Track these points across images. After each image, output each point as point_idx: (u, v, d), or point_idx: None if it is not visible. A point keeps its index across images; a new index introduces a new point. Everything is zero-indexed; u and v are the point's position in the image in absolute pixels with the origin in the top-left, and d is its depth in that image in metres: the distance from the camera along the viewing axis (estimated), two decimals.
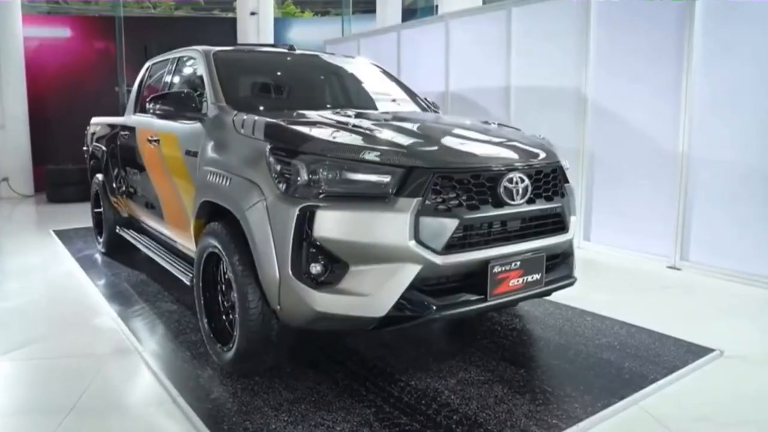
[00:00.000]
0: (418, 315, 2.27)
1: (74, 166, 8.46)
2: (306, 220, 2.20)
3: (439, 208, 2.27)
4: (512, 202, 2.44)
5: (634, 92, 4.90)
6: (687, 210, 4.59)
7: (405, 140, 2.47)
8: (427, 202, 2.24)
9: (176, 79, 3.87)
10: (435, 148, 2.44)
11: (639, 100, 4.87)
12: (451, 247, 2.27)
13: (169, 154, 3.45)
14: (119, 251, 5.02)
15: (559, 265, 2.76)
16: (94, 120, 5.62)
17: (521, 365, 2.85)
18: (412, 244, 2.20)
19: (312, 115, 2.98)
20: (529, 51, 5.79)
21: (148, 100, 3.18)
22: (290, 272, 2.24)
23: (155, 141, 3.70)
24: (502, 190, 2.41)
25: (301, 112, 3.08)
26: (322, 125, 2.67)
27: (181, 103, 3.11)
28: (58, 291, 4.19)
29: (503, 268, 2.41)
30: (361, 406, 2.41)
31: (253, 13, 9.29)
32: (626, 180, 5.03)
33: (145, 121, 4.08)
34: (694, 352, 2.96)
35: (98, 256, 5.08)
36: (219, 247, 2.60)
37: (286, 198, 2.28)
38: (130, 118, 4.48)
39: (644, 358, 2.89)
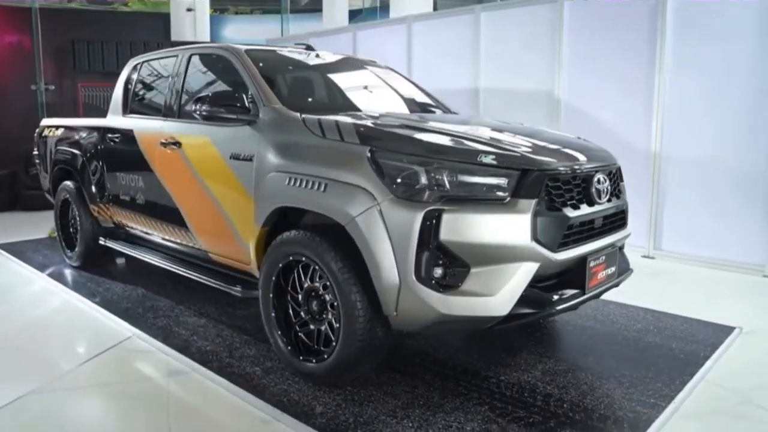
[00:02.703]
0: (537, 311, 2.36)
1: None
2: (431, 223, 2.21)
3: (550, 208, 2.38)
4: (600, 201, 2.61)
5: (607, 92, 5.30)
6: (659, 203, 5.07)
7: (507, 143, 2.54)
8: (541, 203, 2.34)
9: (192, 80, 3.62)
10: (538, 150, 2.53)
11: (613, 100, 5.27)
12: (562, 245, 2.39)
13: (202, 158, 3.24)
14: (96, 264, 4.59)
15: (620, 257, 2.97)
16: (53, 121, 5.09)
17: (586, 353, 3.04)
18: (533, 243, 2.28)
19: (381, 116, 2.96)
20: (498, 54, 6.06)
21: (194, 101, 2.96)
22: (413, 277, 2.23)
23: (173, 144, 3.45)
24: (593, 190, 2.56)
25: (360, 113, 3.04)
26: (408, 127, 2.66)
27: (230, 104, 2.94)
28: (54, 313, 3.77)
29: (595, 263, 2.57)
30: (473, 405, 2.45)
31: (189, 9, 8.80)
32: None
33: (149, 124, 3.78)
34: (721, 330, 3.32)
35: (72, 271, 4.59)
36: (311, 255, 2.51)
37: (404, 202, 2.26)
38: (121, 120, 4.12)
39: (685, 339, 3.19)
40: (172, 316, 3.55)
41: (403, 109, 3.59)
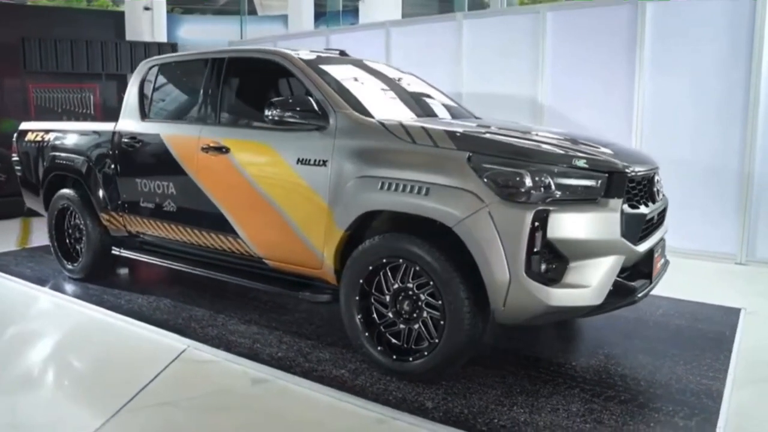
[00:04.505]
0: (624, 300, 2.60)
1: None
2: (539, 222, 2.38)
3: (631, 206, 2.63)
4: (658, 198, 2.91)
5: (589, 96, 5.68)
6: None
7: (586, 149, 2.76)
8: (624, 201, 2.58)
9: (235, 85, 3.58)
10: (613, 155, 2.77)
11: (594, 103, 5.67)
12: (640, 239, 2.65)
13: (261, 164, 3.22)
14: (101, 276, 4.37)
15: None
16: (39, 125, 4.77)
17: (631, 337, 3.33)
18: (622, 238, 2.52)
19: (448, 122, 3.11)
20: (481, 60, 6.34)
21: (267, 105, 2.95)
22: (524, 272, 2.39)
23: (217, 150, 3.39)
24: (655, 189, 2.86)
25: (428, 118, 3.17)
26: (491, 133, 2.81)
27: (302, 109, 2.96)
28: (86, 330, 3.58)
29: (657, 254, 2.86)
30: (565, 389, 2.66)
31: (146, 8, 8.43)
32: None
33: (183, 129, 3.68)
34: (731, 312, 3.73)
35: (76, 284, 4.32)
36: (410, 257, 2.61)
37: (512, 203, 2.42)
38: (140, 125, 3.95)
39: (707, 321, 3.58)
40: (219, 325, 3.48)
41: (446, 114, 3.72)
